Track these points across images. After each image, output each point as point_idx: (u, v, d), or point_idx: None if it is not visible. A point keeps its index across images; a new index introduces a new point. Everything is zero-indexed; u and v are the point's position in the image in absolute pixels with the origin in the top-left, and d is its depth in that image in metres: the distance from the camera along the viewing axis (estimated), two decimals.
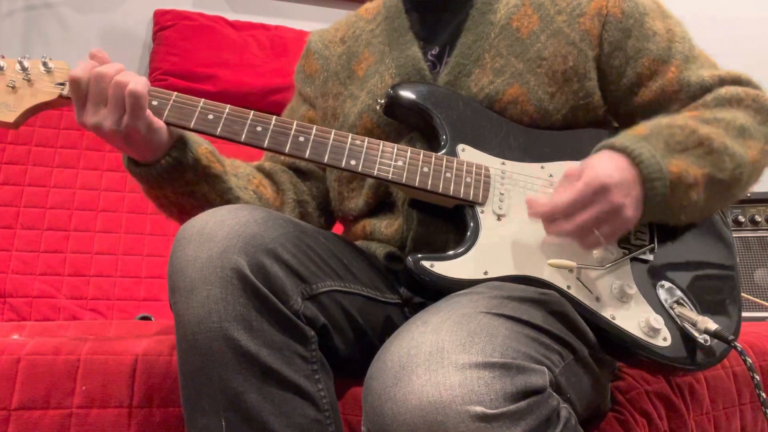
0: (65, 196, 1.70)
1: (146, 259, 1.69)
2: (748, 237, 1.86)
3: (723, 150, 0.88)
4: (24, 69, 0.88)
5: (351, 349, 0.86)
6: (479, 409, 0.61)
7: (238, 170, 1.02)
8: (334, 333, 0.83)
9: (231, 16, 2.10)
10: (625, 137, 0.87)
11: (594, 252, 0.89)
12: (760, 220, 1.86)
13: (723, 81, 0.98)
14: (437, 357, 0.64)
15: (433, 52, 1.03)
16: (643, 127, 0.89)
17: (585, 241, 0.83)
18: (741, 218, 1.86)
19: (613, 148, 0.85)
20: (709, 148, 0.87)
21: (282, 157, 1.11)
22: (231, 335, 0.72)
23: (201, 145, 0.93)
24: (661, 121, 0.91)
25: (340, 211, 1.08)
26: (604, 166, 0.82)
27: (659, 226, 0.94)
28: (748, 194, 1.84)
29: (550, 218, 0.83)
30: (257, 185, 1.03)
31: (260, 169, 1.08)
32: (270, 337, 0.74)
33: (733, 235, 1.01)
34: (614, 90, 1.00)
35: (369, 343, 0.88)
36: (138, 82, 0.83)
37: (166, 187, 0.91)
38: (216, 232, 0.75)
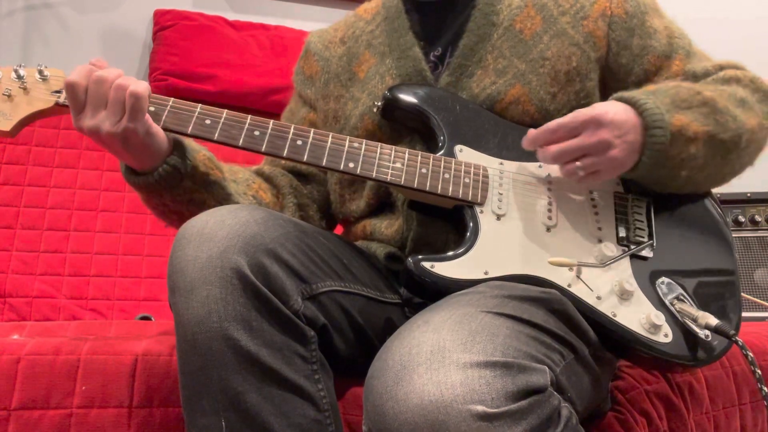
0: (65, 196, 1.70)
1: (146, 259, 1.69)
2: (748, 237, 1.86)
3: (726, 111, 0.91)
4: (20, 77, 0.88)
5: (351, 349, 0.86)
6: (480, 408, 0.61)
7: (237, 175, 1.02)
8: (334, 333, 0.83)
9: (231, 16, 2.10)
10: (634, 91, 0.90)
11: (594, 250, 0.89)
12: (760, 220, 1.86)
13: (723, 67, 1.01)
14: (438, 356, 0.64)
15: (435, 53, 1.03)
16: (651, 86, 0.93)
17: (565, 168, 0.86)
18: (741, 218, 1.86)
19: (622, 98, 0.89)
20: (713, 108, 0.90)
21: (282, 161, 1.11)
22: (231, 335, 0.72)
23: (199, 152, 0.93)
24: (669, 83, 0.94)
25: (341, 213, 1.08)
26: (609, 106, 0.86)
27: (658, 223, 0.94)
28: (748, 194, 1.84)
29: (541, 139, 0.87)
30: (257, 190, 1.03)
31: (259, 173, 1.08)
32: (270, 337, 0.74)
33: (733, 235, 1.01)
34: (623, 88, 1.01)
35: (369, 343, 0.88)
36: (139, 84, 0.83)
37: (164, 195, 0.91)
38: (216, 232, 0.75)
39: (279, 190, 1.07)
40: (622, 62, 1.01)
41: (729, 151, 0.92)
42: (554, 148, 0.86)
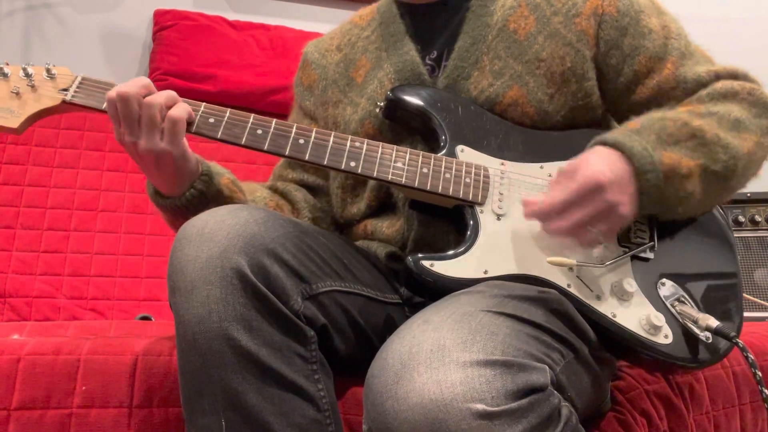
0: (65, 196, 1.70)
1: (146, 259, 1.69)
2: (748, 237, 1.86)
3: (716, 141, 0.89)
4: (28, 75, 0.89)
5: (351, 349, 0.86)
6: (480, 406, 0.61)
7: (255, 194, 1.03)
8: (334, 333, 0.83)
9: (231, 16, 2.10)
10: (617, 132, 0.88)
11: (594, 250, 0.89)
12: (760, 220, 1.86)
13: (719, 76, 0.98)
14: (438, 355, 0.64)
15: (431, 56, 1.03)
16: (636, 122, 0.90)
17: (582, 239, 0.84)
18: (741, 218, 1.86)
19: (605, 143, 0.86)
20: (701, 139, 0.88)
21: (290, 175, 1.12)
22: (231, 335, 0.72)
23: (223, 176, 0.95)
24: (654, 115, 0.91)
25: (342, 217, 1.08)
26: (598, 162, 0.83)
27: (659, 224, 0.94)
28: (748, 194, 1.84)
29: (546, 217, 0.84)
30: (274, 208, 1.05)
31: (274, 190, 1.09)
32: (270, 337, 0.74)
33: (734, 236, 1.01)
34: (612, 88, 1.00)
35: (369, 342, 0.88)
36: (178, 108, 0.86)
37: (189, 217, 0.92)
38: (216, 232, 0.75)
39: (294, 206, 1.08)
40: (612, 62, 0.99)
41: (726, 179, 0.91)
42: (566, 224, 0.82)
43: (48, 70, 0.90)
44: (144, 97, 0.85)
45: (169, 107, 0.86)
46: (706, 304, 0.90)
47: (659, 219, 0.94)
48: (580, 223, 0.82)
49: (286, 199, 1.08)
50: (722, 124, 0.91)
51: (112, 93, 0.84)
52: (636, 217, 0.88)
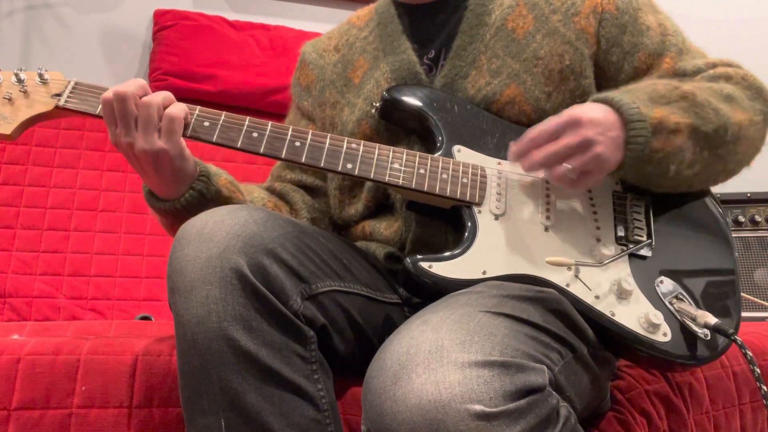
0: (65, 196, 1.70)
1: (146, 259, 1.69)
2: (748, 237, 1.85)
3: (706, 104, 0.89)
4: (20, 81, 0.89)
5: (351, 349, 0.86)
6: (479, 407, 0.61)
7: (252, 195, 1.03)
8: (334, 333, 0.83)
9: (231, 16, 2.10)
10: (608, 92, 0.90)
11: (592, 249, 0.89)
12: (760, 220, 1.86)
13: (715, 65, 1.00)
14: (437, 356, 0.64)
15: (429, 55, 1.03)
16: (628, 86, 0.92)
17: (554, 172, 0.85)
18: (741, 218, 1.86)
19: (596, 99, 0.88)
20: (692, 101, 0.89)
21: (288, 176, 1.12)
22: (230, 335, 0.72)
23: (221, 176, 0.94)
24: (646, 81, 0.94)
25: (340, 218, 1.08)
26: (586, 107, 0.85)
27: (657, 222, 0.94)
28: (748, 194, 1.84)
29: (525, 150, 0.86)
30: (272, 208, 1.04)
31: (272, 191, 1.09)
32: (269, 337, 0.74)
33: (733, 235, 1.01)
34: (613, 86, 1.01)
35: (368, 343, 0.88)
36: (175, 106, 0.86)
37: (187, 219, 0.92)
38: (215, 232, 0.75)
39: (292, 206, 1.08)
40: (612, 60, 1.00)
41: (716, 146, 0.91)
42: (538, 153, 0.85)
43: (41, 75, 0.89)
44: (140, 98, 0.85)
45: (166, 107, 0.86)
46: (705, 302, 0.90)
47: (654, 207, 0.94)
48: (552, 154, 0.84)
49: (284, 199, 1.08)
50: (714, 94, 0.92)
51: (108, 93, 0.84)
52: (624, 175, 0.89)
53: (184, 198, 0.89)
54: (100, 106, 0.88)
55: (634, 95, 0.88)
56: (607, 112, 0.86)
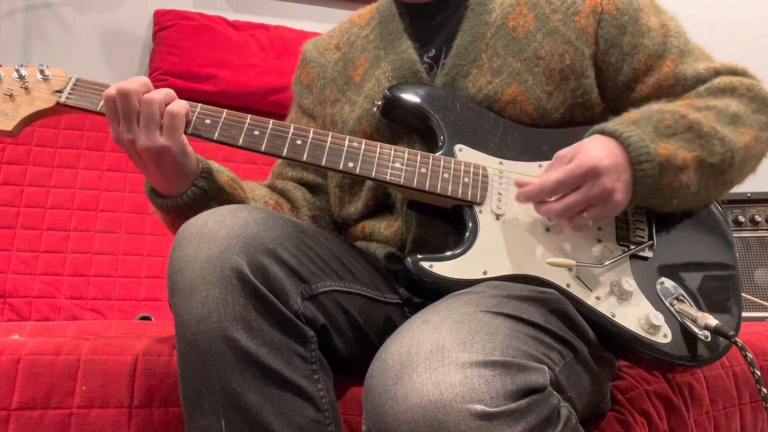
0: (65, 196, 1.70)
1: (146, 259, 1.69)
2: (748, 237, 1.86)
3: (713, 134, 0.89)
4: (21, 77, 0.89)
5: (351, 349, 0.86)
6: (480, 407, 0.61)
7: (254, 192, 1.03)
8: (334, 333, 0.83)
9: (231, 16, 2.10)
10: (615, 122, 0.88)
11: (593, 250, 0.89)
12: (760, 220, 1.86)
13: (718, 72, 0.99)
14: (438, 355, 0.64)
15: (429, 54, 1.03)
16: (634, 113, 0.91)
17: (572, 222, 0.85)
18: (741, 218, 1.86)
19: (603, 132, 0.87)
20: (698, 132, 0.88)
21: (290, 174, 1.12)
22: (231, 335, 0.72)
23: (223, 173, 0.94)
24: (652, 107, 0.92)
25: (340, 217, 1.08)
26: (595, 148, 0.84)
27: (658, 223, 0.94)
28: (748, 194, 1.84)
29: (538, 198, 0.85)
30: (273, 206, 1.04)
31: (273, 188, 1.09)
32: (269, 337, 0.74)
33: (734, 235, 1.01)
34: (611, 86, 1.00)
35: (369, 343, 0.88)
36: (177, 103, 0.86)
37: (190, 216, 0.91)
38: (215, 232, 0.75)
39: (293, 204, 1.08)
40: (611, 60, 1.00)
41: (723, 173, 0.91)
42: (559, 206, 0.83)
43: (42, 72, 0.89)
44: (143, 95, 0.85)
45: (168, 104, 0.86)
46: (705, 303, 0.90)
47: (656, 212, 0.94)
48: (573, 207, 0.83)
49: (286, 197, 1.08)
50: (720, 118, 0.91)
51: (111, 90, 0.84)
52: (629, 208, 0.88)
53: (187, 195, 0.89)
54: (102, 103, 0.88)
55: (640, 129, 0.86)
56: (615, 151, 0.84)
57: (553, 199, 0.84)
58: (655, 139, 0.86)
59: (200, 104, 0.89)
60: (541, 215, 0.87)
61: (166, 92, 0.86)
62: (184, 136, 0.86)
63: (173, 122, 0.85)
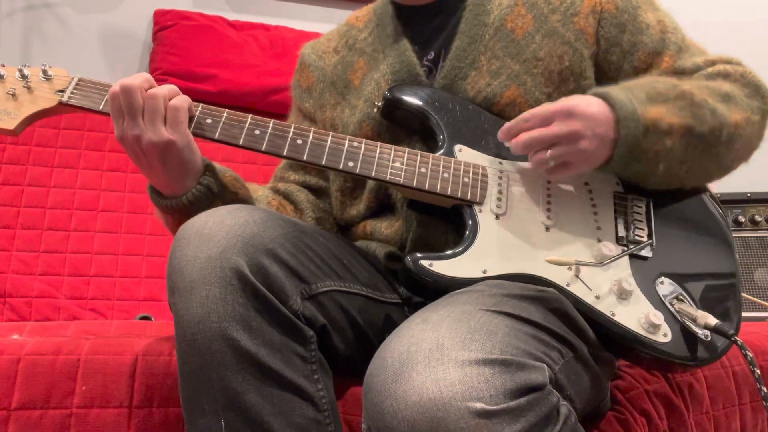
0: (65, 196, 1.70)
1: (146, 259, 1.69)
2: (748, 237, 1.86)
3: (704, 104, 0.90)
4: (24, 77, 0.89)
5: (350, 348, 0.86)
6: (479, 405, 0.61)
7: (257, 193, 1.03)
8: (334, 333, 0.83)
9: (231, 16, 2.10)
10: (609, 86, 0.90)
11: (593, 249, 0.89)
12: (760, 220, 1.86)
13: (714, 63, 1.00)
14: (437, 354, 0.64)
15: (428, 57, 1.03)
16: (628, 82, 0.92)
17: (535, 157, 0.86)
18: (741, 218, 1.86)
19: (595, 93, 0.89)
20: (690, 100, 0.89)
21: (292, 177, 1.12)
22: (230, 335, 0.72)
23: (226, 173, 0.94)
24: (646, 77, 0.94)
25: (342, 219, 1.09)
26: (583, 99, 0.86)
27: (658, 222, 0.94)
28: (748, 194, 1.84)
29: (515, 131, 0.87)
30: (276, 207, 1.04)
31: (276, 190, 1.09)
32: (269, 337, 0.74)
33: (733, 235, 1.01)
34: (613, 85, 1.01)
35: (368, 342, 0.88)
36: (179, 98, 0.86)
37: (192, 216, 0.92)
38: (215, 232, 0.75)
39: (297, 206, 1.08)
40: (612, 59, 1.00)
41: (711, 145, 0.91)
42: (524, 135, 0.86)
43: (44, 72, 0.90)
44: (146, 90, 0.85)
45: (171, 98, 0.86)
46: (705, 303, 0.90)
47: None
48: (537, 139, 0.85)
49: (289, 199, 1.08)
50: (713, 94, 0.92)
51: (116, 87, 0.84)
52: (609, 170, 0.89)
53: (191, 193, 0.89)
54: (104, 102, 0.88)
55: (631, 93, 0.88)
56: (602, 107, 0.86)
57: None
58: (644, 102, 0.87)
59: (201, 104, 0.89)
60: (512, 150, 0.88)
61: (170, 88, 0.86)
62: (188, 132, 0.86)
63: (177, 115, 0.85)
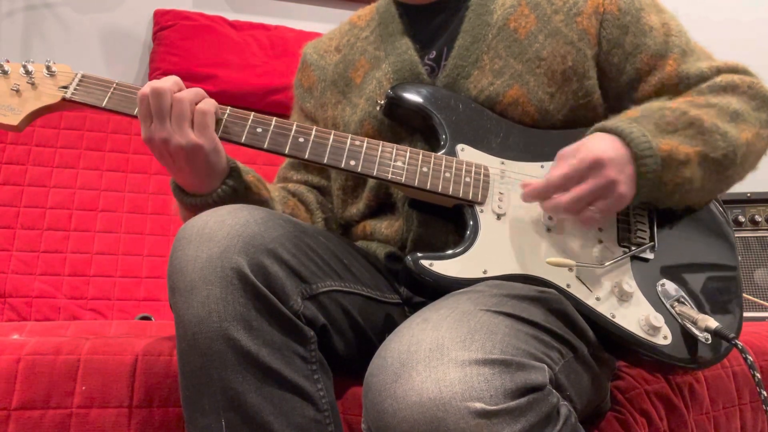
0: (65, 196, 1.70)
1: (146, 259, 1.69)
2: (748, 237, 1.86)
3: (714, 130, 0.89)
4: (28, 72, 0.89)
5: (351, 348, 0.86)
6: (479, 405, 0.61)
7: (273, 194, 1.03)
8: (334, 333, 0.83)
9: (231, 16, 2.10)
10: (616, 119, 0.89)
11: (594, 250, 0.89)
12: (760, 220, 1.86)
13: (720, 70, 0.99)
14: (437, 354, 0.64)
15: (430, 56, 1.03)
16: (635, 111, 0.91)
17: (581, 216, 0.85)
18: (741, 218, 1.86)
19: (605, 129, 0.87)
20: (699, 128, 0.89)
21: (295, 177, 1.12)
22: (231, 335, 0.72)
23: (249, 173, 0.95)
24: (653, 104, 0.92)
25: (342, 218, 1.09)
26: (598, 143, 0.84)
27: (660, 224, 0.94)
28: (748, 194, 1.84)
29: (545, 195, 0.85)
30: (292, 207, 1.05)
31: (287, 191, 1.09)
32: (270, 337, 0.74)
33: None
34: (614, 87, 1.00)
35: (369, 343, 0.88)
36: (206, 102, 0.86)
37: None
38: (216, 232, 0.75)
39: (307, 207, 1.08)
40: (614, 61, 1.00)
41: (725, 168, 0.91)
42: (566, 198, 0.83)
43: (48, 68, 0.90)
44: (175, 93, 0.85)
45: (197, 103, 0.86)
46: (706, 305, 0.90)
47: (658, 213, 0.94)
48: (580, 198, 0.83)
49: (300, 199, 1.09)
50: (721, 115, 0.92)
51: (146, 89, 0.84)
52: (633, 203, 0.88)
53: (217, 193, 0.89)
54: (107, 99, 0.88)
55: (642, 126, 0.86)
56: (617, 146, 0.85)
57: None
58: (656, 135, 0.86)
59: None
60: (549, 212, 0.87)
61: (196, 91, 0.86)
62: (215, 135, 0.86)
63: (204, 120, 0.85)
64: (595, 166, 0.82)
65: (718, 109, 0.92)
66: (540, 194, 0.86)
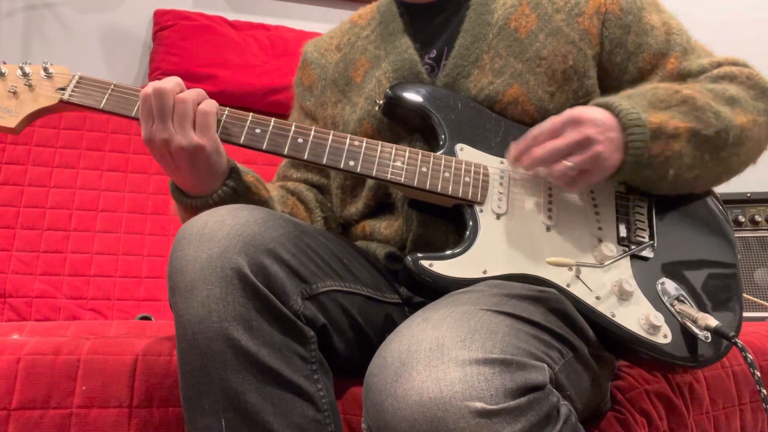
0: (65, 196, 1.70)
1: (146, 259, 1.69)
2: (748, 237, 1.86)
3: (707, 108, 0.90)
4: (25, 74, 0.89)
5: (351, 349, 0.86)
6: (479, 404, 0.61)
7: (272, 193, 1.03)
8: (334, 333, 0.83)
9: (231, 16, 2.10)
10: (608, 97, 0.90)
11: (594, 250, 0.89)
12: (760, 220, 1.86)
13: (720, 64, 1.00)
14: (437, 353, 0.64)
15: (430, 55, 1.03)
16: (628, 90, 0.93)
17: (554, 169, 0.86)
18: (741, 218, 1.86)
19: (597, 104, 0.89)
20: (692, 105, 0.89)
21: (294, 175, 1.12)
22: (231, 335, 0.72)
23: (248, 174, 0.95)
24: (646, 85, 0.94)
25: (341, 217, 1.09)
26: (584, 108, 0.87)
27: (659, 223, 0.94)
28: (748, 194, 1.84)
29: (525, 150, 0.88)
30: (291, 206, 1.05)
31: (287, 190, 1.09)
32: (270, 337, 0.74)
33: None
34: (617, 86, 1.01)
35: (369, 343, 0.88)
36: (207, 102, 0.86)
37: None
38: (216, 232, 0.75)
39: (307, 206, 1.08)
40: (617, 60, 1.00)
41: (718, 149, 0.91)
42: (539, 149, 0.86)
43: (45, 69, 0.90)
44: (177, 94, 0.85)
45: (199, 103, 0.86)
46: (706, 304, 0.90)
47: (657, 209, 0.94)
48: (554, 150, 0.85)
49: (299, 198, 1.09)
50: (716, 98, 0.92)
51: (148, 90, 0.84)
52: (621, 177, 0.89)
53: (217, 194, 0.89)
54: (104, 100, 0.88)
55: (633, 101, 0.88)
56: (606, 115, 0.86)
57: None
58: (648, 109, 0.87)
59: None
60: (526, 167, 0.88)
61: (198, 92, 0.86)
62: (217, 136, 0.86)
63: (206, 120, 0.85)
64: (574, 121, 0.85)
65: (714, 93, 0.93)
66: (521, 150, 0.88)
